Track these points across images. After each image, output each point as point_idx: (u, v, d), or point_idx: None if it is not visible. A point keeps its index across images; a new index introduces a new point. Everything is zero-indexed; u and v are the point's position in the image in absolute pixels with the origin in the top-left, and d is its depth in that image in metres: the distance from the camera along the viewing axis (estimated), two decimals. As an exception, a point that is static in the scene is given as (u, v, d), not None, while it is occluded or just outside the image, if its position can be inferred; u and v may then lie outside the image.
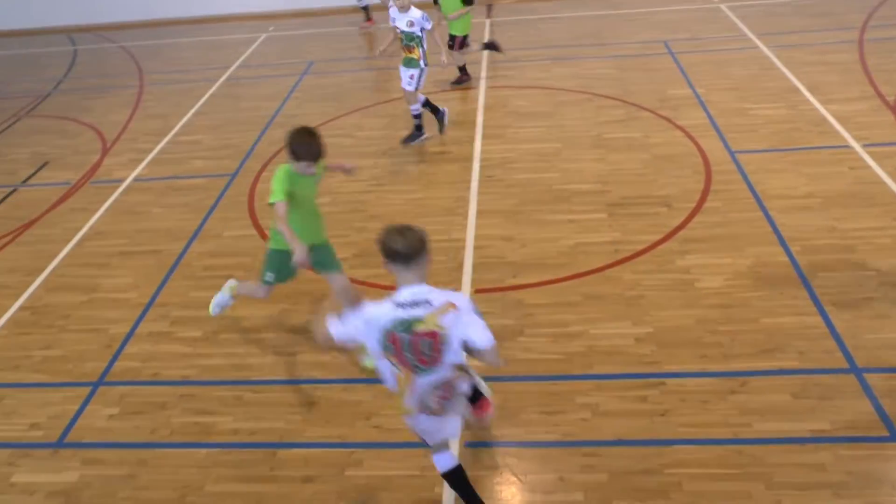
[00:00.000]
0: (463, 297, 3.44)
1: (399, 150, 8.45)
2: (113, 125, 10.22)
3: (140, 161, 8.98)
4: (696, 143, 7.84)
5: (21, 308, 6.51)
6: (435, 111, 8.49)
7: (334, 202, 7.42)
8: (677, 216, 6.61)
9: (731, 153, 7.55)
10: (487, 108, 9.34)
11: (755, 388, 4.72)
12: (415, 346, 3.34)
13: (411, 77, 8.16)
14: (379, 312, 3.36)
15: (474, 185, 7.48)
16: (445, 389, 3.54)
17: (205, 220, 7.47)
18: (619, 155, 7.76)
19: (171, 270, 6.70)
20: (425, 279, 3.37)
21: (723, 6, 12.55)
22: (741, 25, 11.46)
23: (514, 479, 4.31)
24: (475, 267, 6.18)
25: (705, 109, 8.62)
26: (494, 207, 7.07)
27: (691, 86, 9.33)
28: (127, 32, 15.22)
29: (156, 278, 6.61)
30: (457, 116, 9.13)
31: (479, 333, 3.37)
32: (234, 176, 8.34)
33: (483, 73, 10.48)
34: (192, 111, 10.41)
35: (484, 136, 8.54)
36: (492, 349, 3.39)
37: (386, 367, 3.59)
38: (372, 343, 3.43)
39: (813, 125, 7.99)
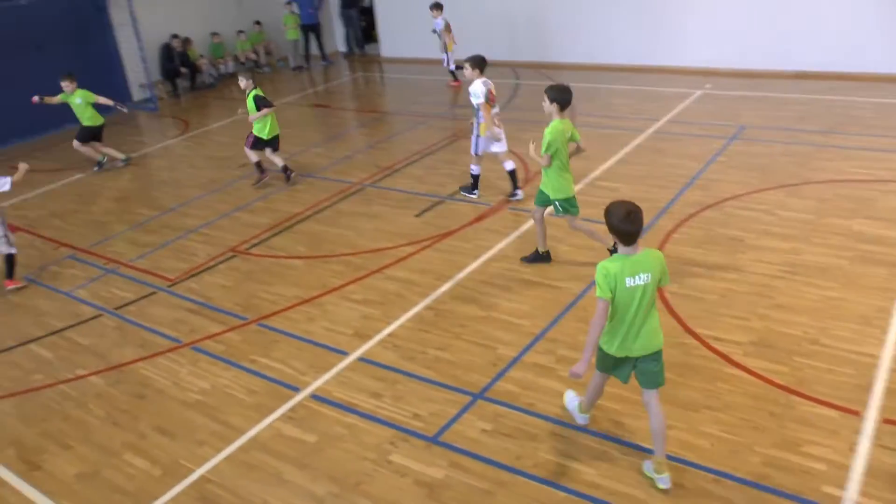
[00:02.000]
0: None
1: (822, 240, 7.71)
2: (537, 158, 10.78)
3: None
4: None
5: (426, 307, 7.18)
6: (514, 182, 9.53)
7: (740, 280, 7.07)
8: None
9: None
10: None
11: None
12: None
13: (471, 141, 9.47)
14: None
15: (903, 296, 6.60)
16: None
17: (608, 268, 7.54)
18: None
19: (567, 309, 6.89)
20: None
21: None
22: None
23: None
24: (887, 392, 5.40)
25: None
26: (924, 328, 6.15)
27: None
28: (568, 73, 15.92)
29: (551, 312, 6.84)
30: (889, 214, 8.13)
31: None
32: (644, 230, 8.28)
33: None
34: (615, 158, 10.63)
35: (926, 239, 7.51)
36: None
37: None
38: None
39: None
